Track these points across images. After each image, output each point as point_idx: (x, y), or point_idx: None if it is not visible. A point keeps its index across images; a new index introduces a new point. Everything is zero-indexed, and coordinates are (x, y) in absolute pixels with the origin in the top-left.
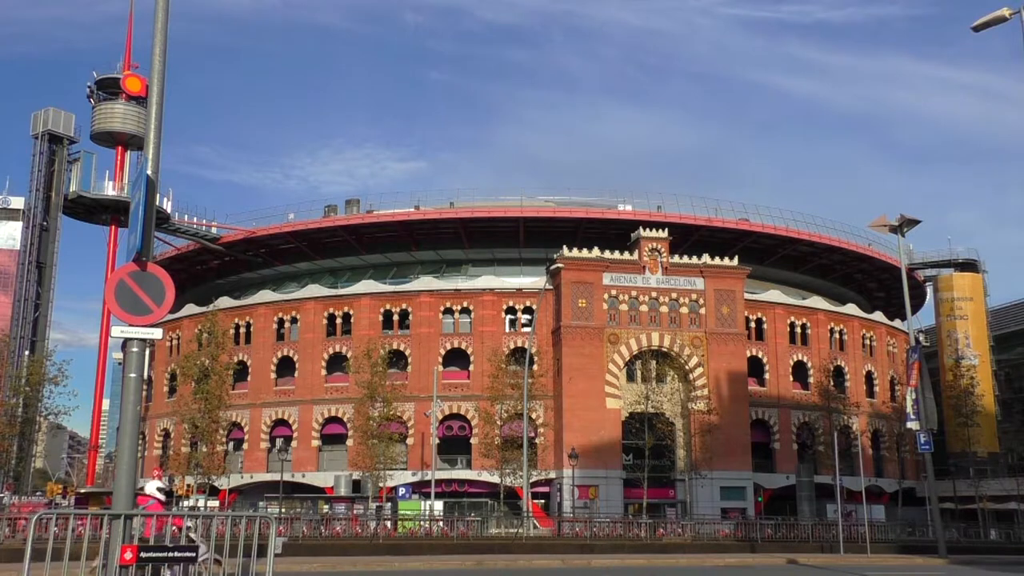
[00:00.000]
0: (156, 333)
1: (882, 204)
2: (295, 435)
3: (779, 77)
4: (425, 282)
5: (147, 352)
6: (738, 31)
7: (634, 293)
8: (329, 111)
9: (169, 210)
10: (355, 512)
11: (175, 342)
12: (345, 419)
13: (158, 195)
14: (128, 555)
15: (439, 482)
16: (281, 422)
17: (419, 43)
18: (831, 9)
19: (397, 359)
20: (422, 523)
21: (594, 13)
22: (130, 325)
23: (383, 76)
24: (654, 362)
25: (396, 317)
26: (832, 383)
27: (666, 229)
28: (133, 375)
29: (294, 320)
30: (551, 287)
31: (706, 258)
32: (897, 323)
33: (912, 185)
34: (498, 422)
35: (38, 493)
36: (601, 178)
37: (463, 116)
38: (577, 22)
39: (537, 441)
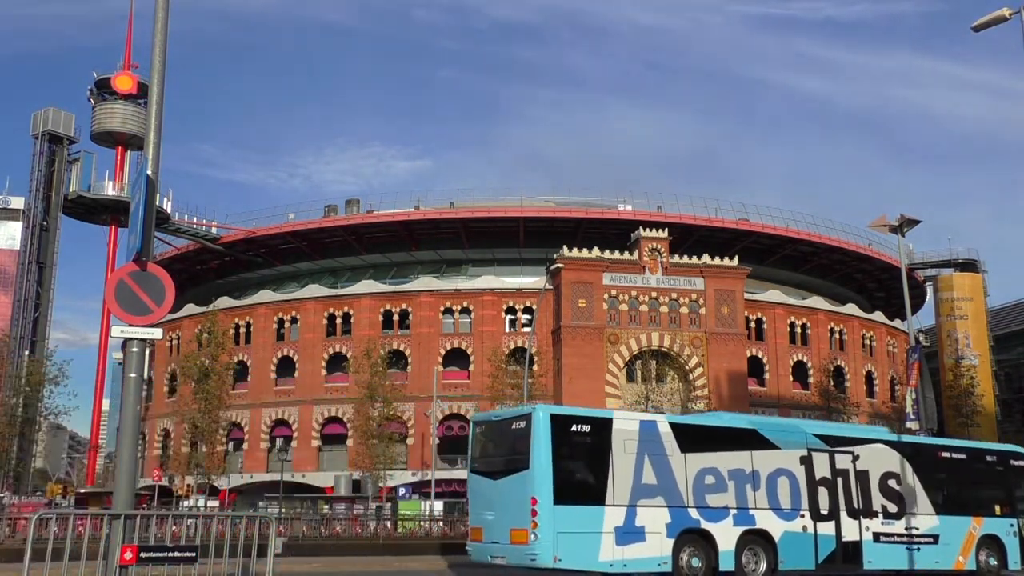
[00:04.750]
0: (156, 333)
1: (888, 203)
2: (295, 435)
3: (787, 75)
4: (425, 282)
5: (147, 352)
6: (746, 28)
7: (634, 293)
8: (335, 109)
9: (169, 210)
10: (355, 512)
11: (175, 342)
12: (345, 419)
13: (158, 195)
14: (128, 555)
15: (439, 482)
16: (281, 422)
17: (427, 41)
18: (841, 6)
19: (397, 359)
20: (422, 523)
21: (602, 10)
22: (130, 325)
23: (390, 74)
24: (654, 362)
25: (396, 317)
26: (832, 383)
27: (666, 229)
28: (133, 375)
29: (294, 320)
30: (551, 287)
31: (706, 258)
32: (897, 323)
33: (919, 184)
34: None
35: (38, 493)
36: (605, 177)
37: (469, 114)
38: (585, 19)
39: None
